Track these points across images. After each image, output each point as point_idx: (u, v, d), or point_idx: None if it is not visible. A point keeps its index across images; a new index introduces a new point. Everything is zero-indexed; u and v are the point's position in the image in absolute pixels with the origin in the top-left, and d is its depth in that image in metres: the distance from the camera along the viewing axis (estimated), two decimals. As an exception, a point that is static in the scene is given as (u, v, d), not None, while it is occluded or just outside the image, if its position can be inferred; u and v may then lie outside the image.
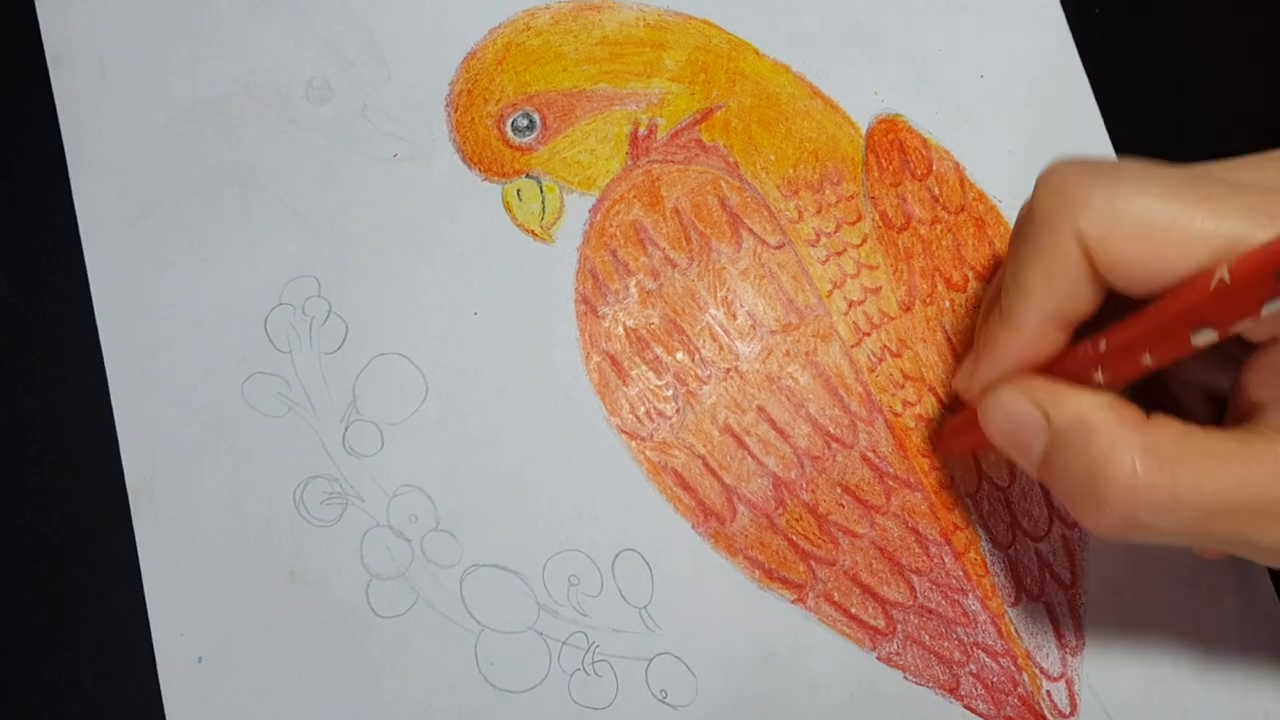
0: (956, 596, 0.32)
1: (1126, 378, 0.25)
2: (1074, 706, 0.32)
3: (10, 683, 0.32)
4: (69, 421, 0.33)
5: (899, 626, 0.32)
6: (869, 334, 0.33)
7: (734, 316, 0.33)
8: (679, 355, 0.33)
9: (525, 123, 0.34)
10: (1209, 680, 0.32)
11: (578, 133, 0.35)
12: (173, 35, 0.35)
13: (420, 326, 0.33)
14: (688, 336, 0.33)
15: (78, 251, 0.34)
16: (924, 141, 0.35)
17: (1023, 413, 0.25)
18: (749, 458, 0.33)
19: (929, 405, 0.33)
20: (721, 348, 0.33)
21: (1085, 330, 0.26)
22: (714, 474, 0.33)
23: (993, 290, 0.29)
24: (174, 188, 0.34)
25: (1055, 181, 0.24)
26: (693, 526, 0.32)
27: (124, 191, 0.34)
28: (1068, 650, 0.32)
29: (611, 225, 0.34)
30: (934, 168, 0.35)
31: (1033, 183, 0.25)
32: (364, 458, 0.33)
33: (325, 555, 0.32)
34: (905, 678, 0.32)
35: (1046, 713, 0.32)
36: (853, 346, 0.33)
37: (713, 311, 0.33)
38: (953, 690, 0.32)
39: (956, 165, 0.35)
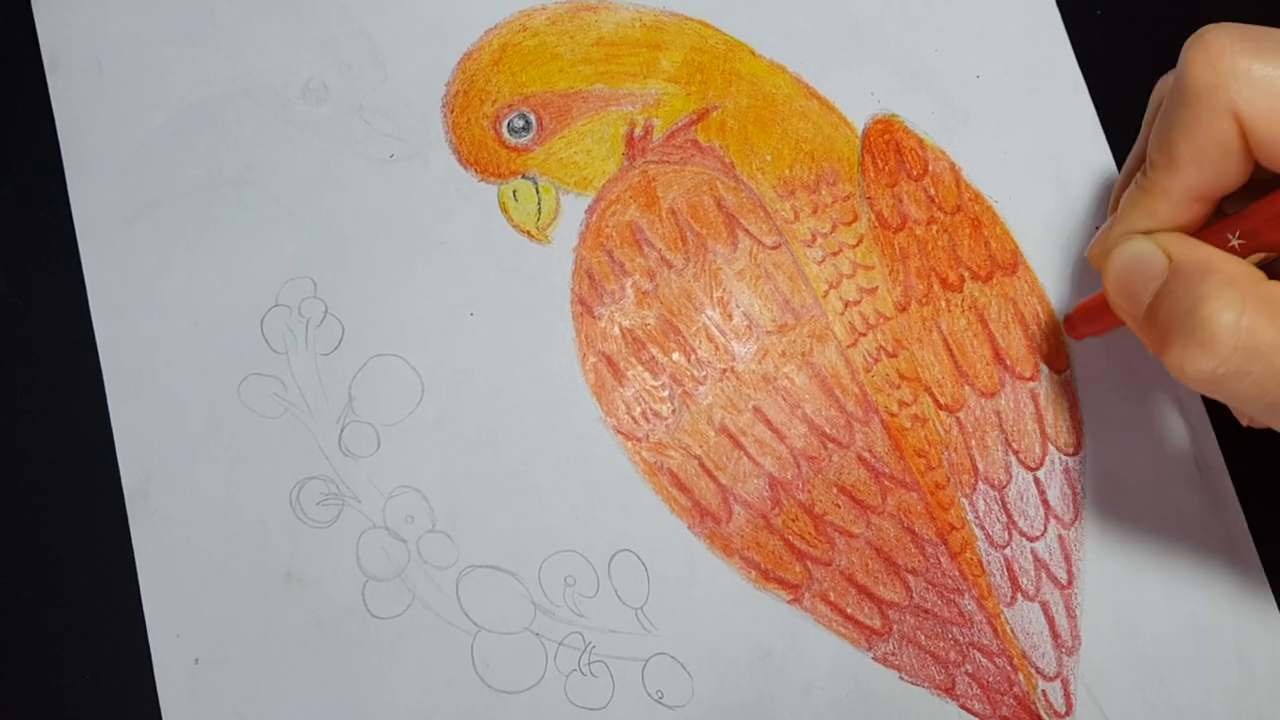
0: (952, 596, 0.32)
1: (1262, 250, 0.24)
2: (1070, 706, 0.32)
3: (8, 683, 0.32)
4: (65, 422, 0.33)
5: (895, 626, 0.32)
6: (865, 334, 0.33)
7: (730, 317, 0.33)
8: (675, 356, 0.33)
9: (521, 123, 0.34)
10: (1205, 680, 0.32)
11: (574, 133, 0.34)
12: (170, 36, 0.35)
13: (416, 328, 0.33)
14: (684, 337, 0.33)
15: (74, 252, 0.34)
16: (920, 142, 0.35)
17: (1146, 253, 0.25)
18: (745, 458, 0.33)
19: (925, 405, 0.33)
20: (717, 348, 0.33)
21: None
22: (710, 474, 0.33)
23: (1134, 157, 0.28)
24: (170, 188, 0.34)
25: (1209, 50, 0.23)
26: (689, 527, 0.32)
27: (121, 192, 0.34)
28: (1063, 650, 0.32)
29: (608, 226, 0.34)
30: (930, 168, 0.35)
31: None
32: (360, 459, 0.33)
33: (322, 556, 0.32)
34: (901, 678, 0.32)
35: (1042, 712, 0.32)
36: (849, 347, 0.33)
37: (709, 312, 0.33)
38: (948, 690, 0.32)
39: (952, 165, 0.35)
